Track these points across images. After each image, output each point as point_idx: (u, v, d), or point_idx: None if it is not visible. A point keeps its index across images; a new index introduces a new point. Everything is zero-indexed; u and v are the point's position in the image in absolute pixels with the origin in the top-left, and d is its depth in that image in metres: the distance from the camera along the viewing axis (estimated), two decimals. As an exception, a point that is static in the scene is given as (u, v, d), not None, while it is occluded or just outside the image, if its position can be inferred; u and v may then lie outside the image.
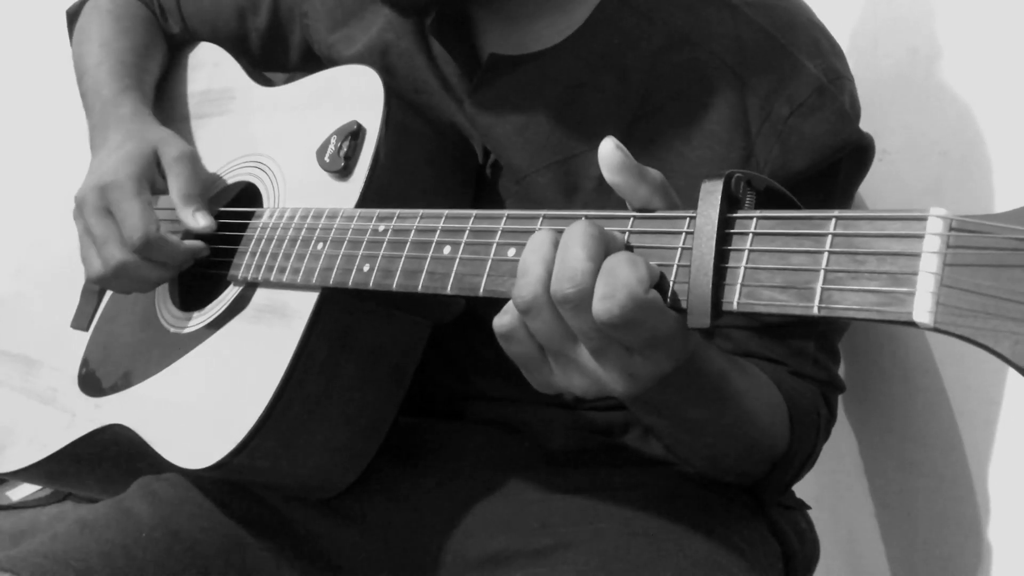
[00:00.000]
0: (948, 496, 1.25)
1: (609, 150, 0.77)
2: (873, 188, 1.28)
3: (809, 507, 1.26)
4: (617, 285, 0.72)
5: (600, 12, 1.11)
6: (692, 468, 1.14)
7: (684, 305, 0.72)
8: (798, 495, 1.25)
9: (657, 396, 0.85)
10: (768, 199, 0.74)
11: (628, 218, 0.78)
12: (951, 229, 0.61)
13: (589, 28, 1.11)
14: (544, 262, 0.76)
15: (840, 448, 1.44)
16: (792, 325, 1.10)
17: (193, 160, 1.23)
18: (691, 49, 1.07)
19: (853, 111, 1.08)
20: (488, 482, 1.17)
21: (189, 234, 1.21)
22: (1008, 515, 1.15)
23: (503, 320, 0.80)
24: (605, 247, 0.75)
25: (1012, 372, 1.09)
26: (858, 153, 1.09)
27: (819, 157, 1.04)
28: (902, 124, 1.28)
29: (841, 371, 1.20)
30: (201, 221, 1.18)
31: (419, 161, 1.14)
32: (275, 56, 1.41)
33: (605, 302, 0.72)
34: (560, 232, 0.77)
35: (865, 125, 1.10)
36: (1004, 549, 1.16)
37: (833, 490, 1.48)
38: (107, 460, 1.28)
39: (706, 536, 1.06)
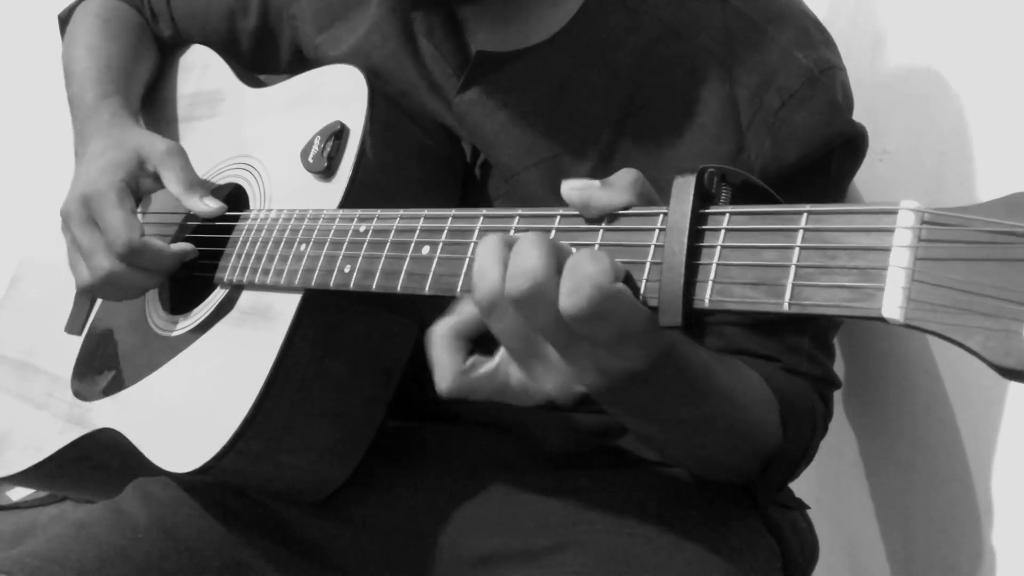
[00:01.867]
0: (948, 496, 1.24)
1: (570, 195, 0.78)
2: (873, 188, 1.27)
3: (808, 507, 1.25)
4: (581, 279, 0.71)
5: (588, 7, 1.10)
6: (684, 469, 1.13)
7: (656, 303, 0.71)
8: (797, 495, 1.24)
9: (638, 396, 0.84)
10: (746, 194, 0.73)
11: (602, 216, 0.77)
12: (923, 222, 0.60)
13: (577, 24, 1.10)
14: (501, 261, 0.75)
15: (840, 448, 1.43)
16: (785, 321, 1.09)
17: (181, 151, 1.23)
18: (680, 43, 1.07)
19: (845, 102, 1.07)
20: (484, 483, 1.16)
21: (177, 238, 1.21)
22: (1008, 515, 1.14)
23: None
24: (557, 250, 0.74)
25: (1011, 371, 1.09)
26: (851, 144, 1.08)
27: (811, 149, 1.03)
28: (902, 124, 1.27)
29: (840, 370, 1.19)
30: (211, 204, 1.18)
31: (405, 160, 1.13)
32: (266, 58, 1.41)
33: (571, 297, 0.71)
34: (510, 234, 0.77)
35: (865, 124, 1.09)
36: (1004, 549, 1.15)
37: (833, 490, 1.47)
38: (101, 464, 1.28)
39: (703, 537, 1.05)
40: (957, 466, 1.21)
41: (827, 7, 1.14)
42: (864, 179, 1.16)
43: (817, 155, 1.04)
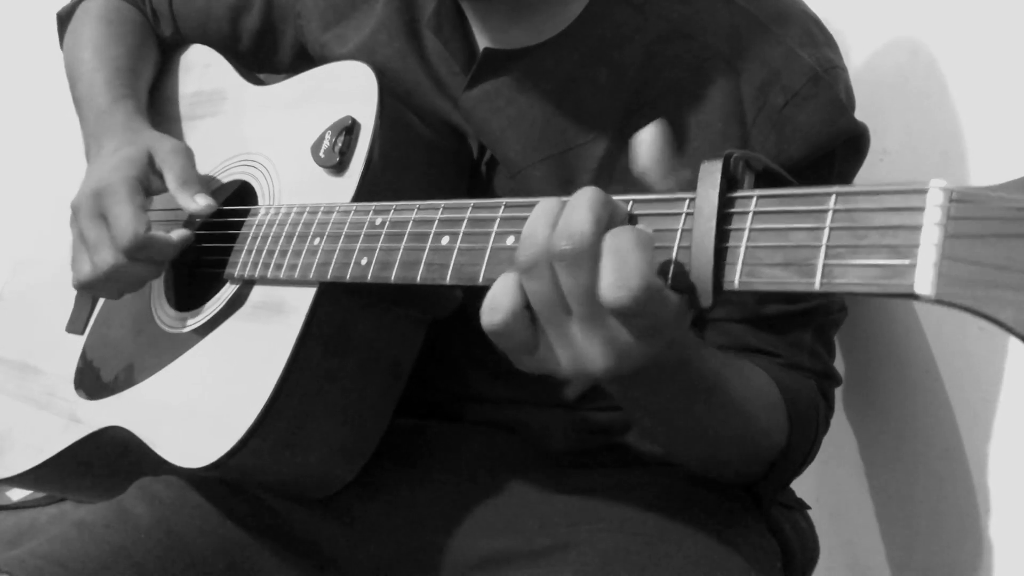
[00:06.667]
0: (948, 496, 1.24)
1: (648, 137, 0.77)
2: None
3: (809, 507, 1.26)
4: (630, 273, 0.70)
5: (594, 6, 1.11)
6: (690, 469, 1.13)
7: (685, 286, 0.72)
8: (798, 495, 1.25)
9: (650, 400, 0.86)
10: (766, 181, 0.73)
11: (628, 201, 0.77)
12: (951, 200, 0.61)
13: (583, 22, 1.11)
14: (552, 223, 0.75)
15: (840, 448, 1.43)
16: (789, 317, 1.10)
17: (187, 152, 1.23)
18: (685, 41, 1.08)
19: (848, 100, 1.08)
20: (487, 483, 1.17)
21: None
22: (1008, 514, 1.15)
23: (495, 319, 0.78)
24: (610, 214, 0.74)
25: (1010, 371, 1.10)
26: (853, 142, 1.09)
27: (814, 146, 1.05)
28: (902, 124, 1.28)
29: (840, 371, 1.19)
30: (201, 202, 1.18)
31: (414, 155, 1.14)
32: (266, 56, 1.41)
33: (617, 291, 0.71)
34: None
35: (866, 124, 1.10)
36: (1004, 548, 1.15)
37: (833, 490, 1.47)
38: (104, 464, 1.27)
39: (705, 536, 1.05)
40: (957, 466, 1.22)
41: (827, 7, 1.15)
42: (865, 179, 1.17)
43: (820, 153, 1.05)
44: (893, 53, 1.30)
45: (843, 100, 1.07)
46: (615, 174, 1.08)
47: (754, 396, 1.01)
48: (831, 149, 1.06)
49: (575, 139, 1.11)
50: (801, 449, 1.08)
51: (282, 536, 1.13)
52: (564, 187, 1.10)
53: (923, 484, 1.31)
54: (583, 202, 0.74)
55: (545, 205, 0.77)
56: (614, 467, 1.18)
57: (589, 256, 0.72)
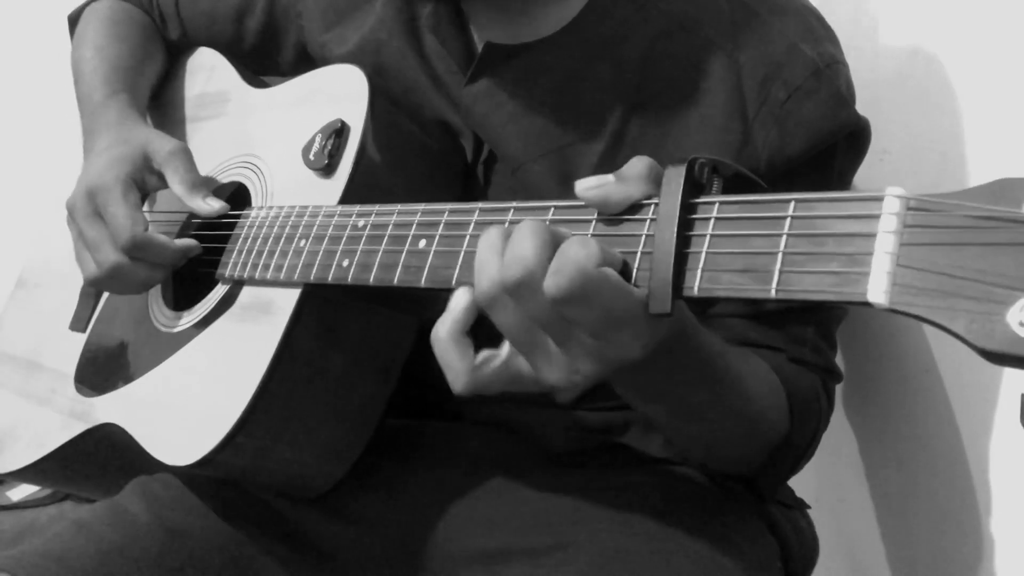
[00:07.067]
0: (947, 495, 1.24)
1: (587, 195, 0.77)
2: (873, 188, 1.27)
3: (809, 506, 1.25)
4: (566, 261, 0.71)
5: (595, 3, 1.11)
6: (690, 459, 1.14)
7: (647, 291, 0.72)
8: (797, 495, 1.25)
9: (644, 380, 0.85)
10: (738, 185, 0.73)
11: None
12: (908, 208, 0.61)
13: (584, 17, 1.11)
14: (499, 254, 0.76)
15: (840, 448, 1.43)
16: (790, 312, 1.10)
17: (187, 152, 1.24)
18: (686, 36, 1.08)
19: (849, 95, 1.08)
20: (486, 482, 1.17)
21: (182, 234, 1.22)
22: (1008, 514, 1.14)
23: (457, 388, 0.80)
24: (553, 236, 0.75)
25: (1010, 371, 1.09)
26: (855, 137, 1.09)
27: (816, 140, 1.04)
28: (902, 124, 1.27)
29: (839, 366, 1.19)
30: (214, 204, 1.19)
31: (404, 158, 1.14)
32: (269, 57, 1.42)
33: (553, 277, 0.72)
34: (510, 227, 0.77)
35: (867, 118, 1.10)
36: (1004, 547, 1.15)
37: (833, 490, 1.47)
38: (102, 460, 1.29)
39: (705, 535, 1.05)
40: (957, 465, 1.22)
41: (828, 7, 1.14)
42: (864, 179, 1.17)
43: (822, 147, 1.05)
44: (893, 53, 1.29)
45: (844, 94, 1.07)
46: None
47: (754, 377, 1.01)
48: (832, 143, 1.06)
49: (575, 135, 1.11)
50: (803, 437, 1.07)
51: (280, 533, 1.14)
52: (564, 183, 1.10)
53: (923, 484, 1.30)
54: (525, 229, 0.75)
55: (489, 237, 0.77)
56: (614, 467, 1.17)
57: (541, 276, 0.73)
